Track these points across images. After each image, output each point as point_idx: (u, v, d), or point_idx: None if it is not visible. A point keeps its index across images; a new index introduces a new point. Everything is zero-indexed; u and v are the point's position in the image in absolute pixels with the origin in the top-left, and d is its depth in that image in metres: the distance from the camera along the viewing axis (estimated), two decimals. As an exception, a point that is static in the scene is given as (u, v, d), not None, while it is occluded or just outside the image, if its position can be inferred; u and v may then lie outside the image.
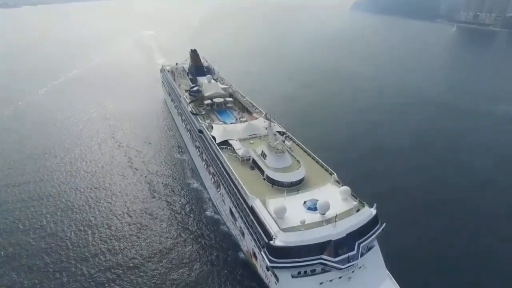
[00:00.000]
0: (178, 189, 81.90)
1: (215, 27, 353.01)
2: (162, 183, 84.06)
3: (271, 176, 55.06)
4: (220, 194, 67.75)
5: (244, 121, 79.27)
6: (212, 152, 69.54)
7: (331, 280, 44.61)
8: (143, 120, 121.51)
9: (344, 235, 44.39)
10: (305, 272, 44.79)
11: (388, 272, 47.47)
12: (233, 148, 65.15)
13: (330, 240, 43.60)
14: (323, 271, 44.69)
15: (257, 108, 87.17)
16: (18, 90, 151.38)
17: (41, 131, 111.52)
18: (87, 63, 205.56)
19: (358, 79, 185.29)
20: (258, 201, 50.07)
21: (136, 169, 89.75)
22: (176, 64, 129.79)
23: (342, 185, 53.33)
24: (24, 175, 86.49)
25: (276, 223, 45.44)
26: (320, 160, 62.15)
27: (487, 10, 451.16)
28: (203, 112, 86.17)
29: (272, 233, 44.44)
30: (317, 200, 48.07)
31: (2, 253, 61.82)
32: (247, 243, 55.50)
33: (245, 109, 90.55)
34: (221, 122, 79.76)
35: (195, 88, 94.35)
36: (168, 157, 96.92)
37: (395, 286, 46.02)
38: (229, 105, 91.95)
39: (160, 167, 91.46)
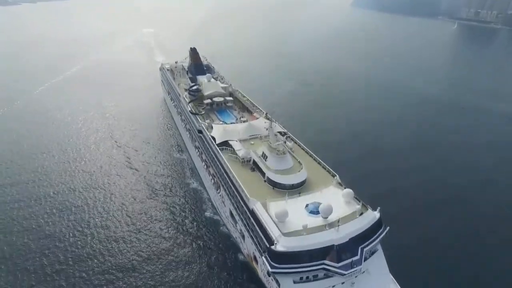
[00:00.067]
0: (177, 189, 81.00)
1: (215, 26, 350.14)
2: (161, 183, 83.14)
3: (272, 178, 53.93)
4: (220, 195, 66.66)
5: (244, 121, 78.13)
6: (212, 153, 68.38)
7: (333, 286, 43.65)
8: (142, 119, 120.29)
9: (347, 239, 43.35)
10: (307, 277, 43.76)
11: (392, 277, 46.40)
12: (233, 149, 64.01)
13: (333, 245, 42.58)
14: (326, 276, 43.65)
15: (258, 108, 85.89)
16: (15, 88, 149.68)
17: (39, 130, 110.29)
18: (86, 61, 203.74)
19: (359, 78, 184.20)
20: (259, 204, 48.95)
21: (134, 169, 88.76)
22: (176, 62, 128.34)
23: (345, 188, 52.22)
24: (22, 175, 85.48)
25: (277, 227, 44.34)
26: (322, 162, 60.99)
27: (489, 7, 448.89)
28: (203, 112, 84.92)
29: (274, 238, 43.36)
30: (319, 203, 47.02)
31: (-1, 254, 60.74)
32: (248, 246, 54.46)
33: (245, 109, 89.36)
34: (221, 122, 78.60)
35: (194, 87, 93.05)
36: (167, 157, 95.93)
37: None
38: (229, 104, 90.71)
39: (159, 166, 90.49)
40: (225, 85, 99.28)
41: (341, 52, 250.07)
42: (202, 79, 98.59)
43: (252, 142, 66.52)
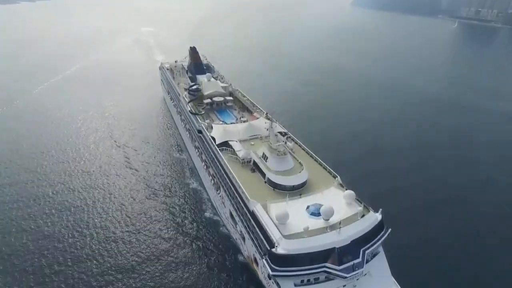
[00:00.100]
0: (177, 190, 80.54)
1: (215, 25, 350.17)
2: (161, 183, 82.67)
3: (272, 180, 53.38)
4: (220, 196, 66.13)
5: (244, 121, 77.51)
6: (212, 153, 67.80)
7: None
8: (142, 119, 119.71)
9: (349, 242, 42.88)
10: (308, 280, 43.31)
11: (394, 279, 45.91)
12: (233, 149, 63.42)
13: (334, 248, 42.11)
14: (327, 279, 43.24)
15: (258, 108, 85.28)
16: (15, 87, 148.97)
17: (38, 129, 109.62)
18: (86, 60, 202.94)
19: (359, 77, 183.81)
20: (260, 205, 48.42)
21: (134, 169, 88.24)
22: (175, 61, 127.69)
23: (346, 189, 51.71)
24: (21, 174, 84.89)
25: (278, 229, 43.81)
26: (323, 162, 60.42)
27: (489, 6, 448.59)
28: (203, 112, 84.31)
29: (274, 240, 42.86)
30: (320, 205, 46.49)
31: (-3, 254, 60.34)
32: (248, 248, 53.96)
33: (245, 108, 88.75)
34: (221, 122, 78.01)
35: (194, 87, 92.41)
36: (167, 157, 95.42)
37: None
38: (229, 104, 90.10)
39: (159, 166, 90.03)
40: (225, 85, 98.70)
41: (341, 51, 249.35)
42: (202, 78, 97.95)
43: (252, 143, 65.89)
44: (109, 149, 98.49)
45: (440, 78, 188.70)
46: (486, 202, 78.82)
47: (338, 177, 55.39)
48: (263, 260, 43.96)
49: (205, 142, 72.16)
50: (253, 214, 48.75)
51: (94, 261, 59.70)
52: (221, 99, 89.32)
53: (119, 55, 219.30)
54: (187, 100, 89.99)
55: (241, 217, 54.21)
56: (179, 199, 76.83)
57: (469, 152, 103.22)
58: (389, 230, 47.75)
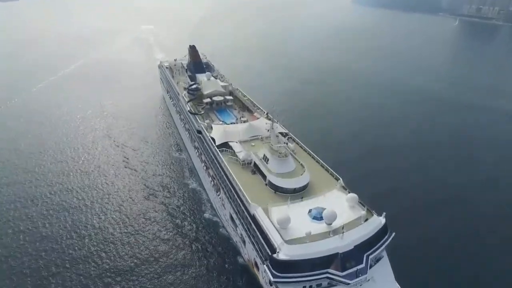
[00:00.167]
0: (176, 190, 79.75)
1: (215, 24, 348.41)
2: (160, 183, 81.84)
3: (273, 182, 52.19)
4: (220, 198, 65.09)
5: (244, 121, 76.26)
6: (212, 155, 66.63)
7: None
8: (141, 118, 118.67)
9: (352, 247, 41.79)
10: (311, 287, 42.22)
11: (398, 285, 44.84)
12: (234, 150, 62.15)
13: (337, 253, 41.00)
14: (330, 285, 42.15)
15: (258, 107, 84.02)
16: (13, 86, 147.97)
17: (36, 129, 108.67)
18: (85, 59, 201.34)
19: (359, 76, 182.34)
20: (260, 209, 47.30)
21: (132, 169, 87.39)
22: (175, 60, 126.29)
23: (349, 192, 50.58)
24: (19, 174, 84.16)
25: (279, 234, 42.71)
26: (325, 164, 59.23)
27: (490, 3, 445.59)
28: (202, 112, 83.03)
29: (276, 246, 41.77)
30: (322, 209, 45.39)
31: (-6, 255, 59.54)
32: (249, 252, 52.95)
33: (245, 108, 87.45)
34: (220, 122, 76.78)
35: (193, 86, 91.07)
36: (166, 156, 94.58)
37: None
38: (229, 103, 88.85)
39: (158, 166, 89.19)
40: (225, 84, 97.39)
41: (341, 50, 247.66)
42: (201, 77, 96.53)
43: (253, 144, 64.56)
44: (107, 148, 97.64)
45: (441, 77, 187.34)
46: (487, 202, 78.04)
47: (341, 179, 54.16)
48: (264, 265, 42.92)
49: (205, 143, 70.99)
50: (254, 218, 47.65)
51: (92, 263, 59.02)
52: (221, 98, 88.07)
53: (118, 54, 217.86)
54: (187, 99, 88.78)
55: (242, 220, 53.17)
56: (178, 200, 76.02)
57: (470, 151, 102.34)
58: (393, 234, 46.68)
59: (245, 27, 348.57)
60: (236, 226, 57.41)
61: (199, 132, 73.76)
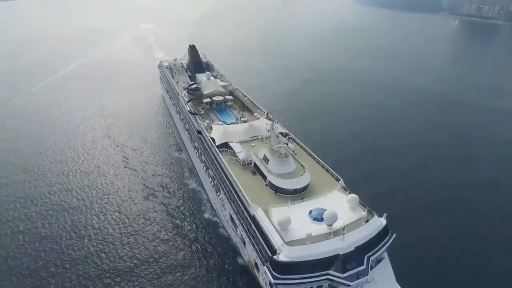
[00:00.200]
0: (176, 190, 79.48)
1: (215, 24, 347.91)
2: (159, 183, 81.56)
3: (274, 183, 51.87)
4: (220, 198, 64.80)
5: (244, 121, 75.88)
6: (212, 155, 66.31)
7: None
8: (141, 117, 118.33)
9: (353, 248, 41.54)
10: None
11: (399, 286, 44.59)
12: (234, 151, 61.81)
13: (338, 255, 40.75)
14: (330, 287, 41.91)
15: (259, 107, 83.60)
16: (12, 85, 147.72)
17: (35, 128, 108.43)
18: (84, 58, 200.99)
19: (360, 75, 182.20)
20: (261, 210, 47.01)
21: (132, 169, 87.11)
22: (175, 59, 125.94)
23: (350, 192, 50.34)
24: (18, 174, 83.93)
25: (280, 235, 42.43)
26: (325, 164, 58.91)
27: (490, 3, 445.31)
28: (202, 112, 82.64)
29: (276, 247, 41.49)
30: (323, 210, 45.13)
31: (-8, 256, 59.35)
32: (249, 253, 52.69)
33: (245, 108, 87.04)
34: (220, 122, 76.39)
35: (193, 86, 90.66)
36: (166, 156, 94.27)
37: None
38: (229, 103, 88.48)
39: (157, 166, 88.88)
40: (225, 84, 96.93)
41: (341, 50, 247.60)
42: (201, 77, 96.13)
43: (253, 144, 64.17)
44: (107, 148, 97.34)
45: (441, 77, 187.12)
46: (487, 202, 77.84)
47: (341, 180, 53.83)
48: (265, 267, 42.66)
49: (205, 143, 70.66)
50: (254, 219, 47.37)
51: (92, 264, 58.80)
52: (221, 98, 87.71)
53: (118, 53, 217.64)
54: (186, 99, 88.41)
55: (242, 221, 52.90)
56: (178, 200, 75.77)
57: (470, 151, 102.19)
58: (394, 235, 46.39)
59: (245, 27, 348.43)
60: (236, 227, 57.14)
61: (199, 132, 73.45)
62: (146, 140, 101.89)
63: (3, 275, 56.03)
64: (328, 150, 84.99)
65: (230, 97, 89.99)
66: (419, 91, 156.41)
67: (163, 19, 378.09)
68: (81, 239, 63.89)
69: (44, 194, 76.73)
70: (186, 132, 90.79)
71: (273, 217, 45.44)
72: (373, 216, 46.48)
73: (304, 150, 64.55)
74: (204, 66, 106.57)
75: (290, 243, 41.44)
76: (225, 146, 64.32)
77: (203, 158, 73.91)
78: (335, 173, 56.27)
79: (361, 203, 48.11)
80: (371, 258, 42.60)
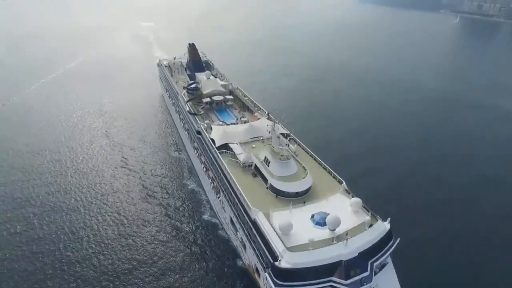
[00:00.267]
0: (175, 191, 78.48)
1: (214, 21, 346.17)
2: (158, 183, 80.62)
3: (275, 186, 50.77)
4: (220, 200, 63.75)
5: (245, 121, 74.75)
6: (211, 156, 65.19)
7: None
8: (140, 116, 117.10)
9: (356, 254, 40.41)
10: None
11: (403, 292, 43.74)
12: (234, 152, 60.67)
13: (341, 261, 39.63)
14: None
15: (259, 108, 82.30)
16: (11, 84, 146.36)
17: (33, 128, 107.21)
18: (84, 56, 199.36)
19: (360, 73, 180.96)
20: (262, 214, 45.92)
21: (130, 169, 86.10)
22: (174, 58, 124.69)
23: (352, 196, 49.27)
24: (15, 174, 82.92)
25: (281, 240, 41.35)
26: (327, 166, 57.79)
27: (491, 0, 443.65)
28: (202, 112, 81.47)
29: (278, 253, 40.41)
30: (325, 214, 44.06)
31: (-11, 257, 58.57)
32: (249, 257, 51.71)
33: (246, 108, 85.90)
34: (220, 123, 75.32)
35: (193, 86, 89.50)
36: (165, 156, 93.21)
37: None
38: (229, 103, 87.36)
39: (156, 166, 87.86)
40: (225, 83, 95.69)
41: (342, 47, 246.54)
42: (201, 76, 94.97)
43: (254, 146, 62.98)
44: (105, 148, 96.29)
45: (442, 75, 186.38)
46: (495, 204, 76.78)
47: (344, 182, 52.76)
48: (266, 273, 41.67)
49: (204, 144, 69.52)
50: (254, 223, 46.31)
51: (90, 265, 58.10)
52: (221, 98, 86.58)
53: (117, 51, 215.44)
54: (186, 99, 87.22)
55: (242, 225, 51.86)
56: (177, 201, 74.81)
57: (471, 150, 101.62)
58: (398, 239, 45.37)
59: (245, 23, 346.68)
60: (236, 230, 56.17)
61: (199, 133, 72.34)
62: (145, 140, 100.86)
63: (0, 277, 55.28)
64: (328, 150, 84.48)
65: (230, 97, 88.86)
66: (419, 89, 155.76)
67: (162, 17, 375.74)
68: (79, 241, 63.07)
69: (42, 194, 75.88)
70: (186, 132, 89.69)
71: (275, 221, 44.39)
72: (377, 220, 45.40)
73: (305, 151, 63.47)
74: (204, 65, 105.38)
75: (292, 249, 40.40)
76: (225, 147, 63.18)
77: (203, 159, 72.88)
78: (337, 175, 55.19)
79: (364, 207, 47.07)
80: (375, 264, 41.62)
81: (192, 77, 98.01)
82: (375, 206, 48.98)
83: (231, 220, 57.94)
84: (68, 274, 56.22)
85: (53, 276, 55.80)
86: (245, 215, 49.78)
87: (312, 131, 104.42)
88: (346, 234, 41.46)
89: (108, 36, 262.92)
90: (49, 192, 76.68)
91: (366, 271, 40.15)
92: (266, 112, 78.30)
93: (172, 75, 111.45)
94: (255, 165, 56.42)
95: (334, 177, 55.15)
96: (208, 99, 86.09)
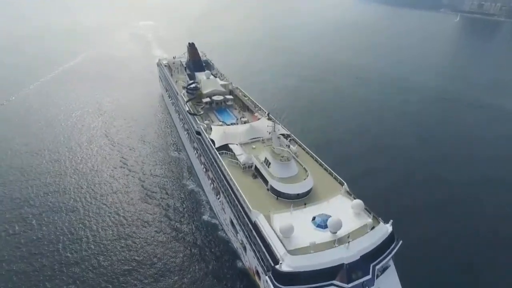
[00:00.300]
0: (174, 191, 77.95)
1: (214, 20, 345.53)
2: (157, 183, 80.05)
3: (275, 188, 50.19)
4: (220, 202, 63.21)
5: (245, 122, 74.22)
6: (211, 157, 64.59)
7: None
8: (139, 116, 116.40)
9: (358, 257, 39.85)
10: None
11: (405, 295, 43.25)
12: (234, 153, 60.10)
13: (343, 264, 39.09)
14: None
15: (260, 108, 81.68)
16: (10, 83, 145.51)
17: (32, 127, 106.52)
18: (83, 56, 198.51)
19: (360, 73, 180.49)
20: (262, 216, 45.36)
21: (129, 169, 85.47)
22: (174, 57, 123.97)
23: (354, 197, 48.72)
24: (14, 174, 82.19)
25: (282, 243, 40.80)
26: (328, 167, 57.22)
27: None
28: (201, 112, 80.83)
29: (278, 256, 39.89)
30: (327, 216, 43.54)
31: (-13, 258, 58.12)
32: (250, 259, 51.21)
33: (246, 108, 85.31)
34: (220, 123, 74.71)
35: (192, 85, 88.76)
36: (164, 156, 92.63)
37: None
38: (229, 103, 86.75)
39: (155, 166, 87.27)
40: (225, 83, 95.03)
41: (342, 46, 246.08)
42: (200, 76, 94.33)
43: (254, 146, 62.35)
44: (105, 148, 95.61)
45: (442, 74, 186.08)
46: (502, 205, 76.30)
47: (345, 183, 52.18)
48: (266, 277, 41.16)
49: (204, 145, 68.93)
50: (255, 226, 45.76)
51: (90, 267, 57.61)
52: (221, 98, 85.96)
53: (117, 50, 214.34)
54: (185, 99, 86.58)
55: (243, 227, 51.33)
56: (176, 201, 74.28)
57: (471, 150, 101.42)
58: (400, 242, 44.82)
59: (245, 25, 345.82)
60: (236, 232, 55.65)
61: (198, 133, 71.73)
62: (145, 140, 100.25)
63: (-2, 277, 54.83)
64: (329, 150, 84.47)
65: (230, 97, 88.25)
66: (419, 89, 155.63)
67: (162, 16, 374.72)
68: (78, 241, 62.60)
69: (41, 194, 75.29)
70: (185, 132, 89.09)
71: (275, 224, 43.85)
72: (379, 222, 44.82)
73: (306, 152, 62.89)
74: (204, 64, 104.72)
75: (293, 252, 39.88)
76: (225, 148, 62.59)
77: (203, 160, 72.31)
78: (338, 176, 54.64)
79: (366, 209, 46.53)
80: (377, 267, 41.04)
81: (191, 77, 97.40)
82: (375, 206, 48.52)
83: (231, 222, 57.43)
84: (67, 276, 55.73)
85: (52, 277, 55.27)
86: (245, 217, 49.25)
87: (312, 130, 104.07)
88: (348, 237, 40.97)
89: (108, 35, 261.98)
90: (48, 193, 76.07)
91: (368, 274, 39.61)
92: (267, 112, 77.73)
93: (171, 75, 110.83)
94: (255, 166, 55.85)
95: (335, 178, 54.59)
96: (208, 99, 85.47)
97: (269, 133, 57.42)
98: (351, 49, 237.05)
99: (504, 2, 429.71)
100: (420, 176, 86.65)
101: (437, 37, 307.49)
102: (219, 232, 65.77)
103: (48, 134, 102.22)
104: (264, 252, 43.27)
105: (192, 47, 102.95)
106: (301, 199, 49.53)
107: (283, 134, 65.17)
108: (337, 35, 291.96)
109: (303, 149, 63.66)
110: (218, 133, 65.59)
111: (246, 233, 50.09)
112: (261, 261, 45.03)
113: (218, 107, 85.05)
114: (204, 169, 72.32)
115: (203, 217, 69.95)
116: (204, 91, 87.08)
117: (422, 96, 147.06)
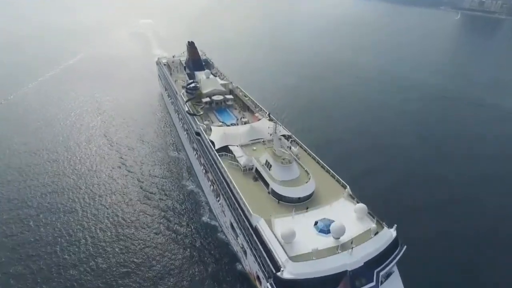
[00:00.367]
0: (174, 192, 77.16)
1: (214, 19, 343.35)
2: (156, 184, 79.19)
3: (277, 191, 49.22)
4: (219, 204, 62.23)
5: (245, 122, 73.18)
6: (211, 159, 63.52)
7: None
8: (138, 115, 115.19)
9: (362, 263, 39.04)
10: None
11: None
12: (234, 155, 59.02)
13: (346, 271, 38.25)
14: None
15: (260, 108, 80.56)
16: (9, 82, 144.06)
17: (30, 127, 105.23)
18: (83, 53, 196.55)
19: (361, 71, 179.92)
20: (263, 221, 44.42)
21: (128, 169, 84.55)
22: (173, 56, 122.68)
23: (357, 201, 47.77)
24: (12, 174, 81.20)
25: (284, 249, 39.86)
26: (331, 170, 56.23)
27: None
28: (201, 112, 79.63)
29: (280, 263, 38.98)
30: (330, 221, 42.63)
31: (-15, 260, 57.32)
32: (250, 264, 50.29)
33: (246, 108, 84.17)
34: (220, 123, 73.68)
35: (192, 85, 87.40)
36: (164, 156, 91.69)
37: None
38: (229, 103, 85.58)
39: (155, 166, 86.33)
40: (225, 82, 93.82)
41: (342, 44, 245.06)
42: (200, 75, 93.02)
43: (254, 148, 61.23)
44: (103, 148, 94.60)
45: (442, 73, 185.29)
46: (494, 202, 75.84)
47: (348, 187, 51.18)
48: (268, 283, 40.31)
49: (204, 146, 67.84)
50: (256, 230, 44.81)
51: (88, 268, 57.00)
52: (221, 97, 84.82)
53: (116, 49, 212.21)
54: (185, 99, 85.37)
55: (243, 231, 50.38)
56: (176, 202, 73.49)
57: (477, 149, 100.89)
58: (404, 247, 43.95)
59: (245, 24, 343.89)
60: (237, 235, 54.73)
61: (198, 134, 70.61)
62: (144, 139, 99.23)
63: (-6, 281, 54.12)
64: (329, 150, 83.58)
65: (230, 97, 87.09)
66: (420, 87, 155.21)
67: (162, 15, 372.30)
68: (76, 243, 61.90)
69: (39, 195, 74.45)
70: (185, 133, 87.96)
71: (276, 229, 42.96)
72: (383, 227, 43.94)
73: (307, 153, 61.94)
74: (204, 63, 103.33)
75: (295, 259, 38.98)
76: (225, 149, 61.54)
77: (202, 161, 71.27)
78: (341, 179, 53.69)
79: (369, 213, 45.61)
80: (381, 273, 40.25)
81: (191, 76, 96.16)
82: (376, 206, 47.95)
83: (231, 225, 56.53)
84: (64, 278, 55.09)
85: (49, 280, 54.60)
86: (245, 221, 48.31)
87: (313, 130, 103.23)
88: (351, 243, 40.18)
89: (107, 34, 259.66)
90: (46, 193, 75.20)
91: (372, 281, 38.86)
92: (267, 113, 76.62)
93: (171, 74, 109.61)
94: (256, 169, 54.92)
95: (338, 181, 53.68)
96: (207, 99, 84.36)
97: (270, 134, 56.39)
98: (351, 48, 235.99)
99: (505, 0, 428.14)
100: (420, 176, 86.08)
101: (438, 35, 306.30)
102: (219, 234, 65.01)
103: (46, 134, 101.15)
104: (265, 258, 42.39)
105: (191, 46, 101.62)
106: (303, 202, 48.62)
107: (284, 135, 64.03)
108: (337, 34, 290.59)
109: (305, 150, 62.68)
110: (218, 134, 64.51)
111: (246, 238, 49.18)
112: (262, 267, 44.16)
113: (218, 107, 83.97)
114: (204, 171, 71.31)
115: (203, 218, 69.16)
116: (204, 91, 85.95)
117: (422, 94, 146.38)
